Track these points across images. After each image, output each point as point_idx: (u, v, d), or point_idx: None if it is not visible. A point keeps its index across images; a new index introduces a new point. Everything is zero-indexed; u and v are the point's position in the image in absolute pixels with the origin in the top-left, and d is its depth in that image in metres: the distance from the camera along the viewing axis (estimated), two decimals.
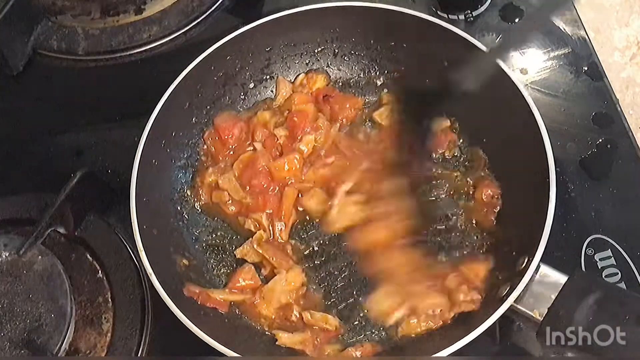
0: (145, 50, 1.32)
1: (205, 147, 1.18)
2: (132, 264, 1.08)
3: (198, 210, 1.15)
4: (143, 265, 0.97)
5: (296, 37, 1.20)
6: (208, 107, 1.18)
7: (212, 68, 1.15)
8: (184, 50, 1.30)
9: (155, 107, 1.08)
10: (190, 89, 1.13)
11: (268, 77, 1.23)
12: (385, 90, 1.22)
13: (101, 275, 1.10)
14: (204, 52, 1.13)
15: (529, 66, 1.29)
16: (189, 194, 1.16)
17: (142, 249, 0.97)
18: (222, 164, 1.16)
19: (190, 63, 1.11)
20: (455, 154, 1.18)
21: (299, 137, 1.16)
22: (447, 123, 1.16)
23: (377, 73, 1.24)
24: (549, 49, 1.30)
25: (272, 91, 1.24)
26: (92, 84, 1.31)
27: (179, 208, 1.13)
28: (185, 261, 1.07)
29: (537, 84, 1.26)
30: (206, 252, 1.12)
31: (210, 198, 1.14)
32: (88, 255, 1.11)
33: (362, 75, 1.25)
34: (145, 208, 1.02)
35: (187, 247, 1.10)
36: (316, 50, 1.22)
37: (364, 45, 1.21)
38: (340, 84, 1.25)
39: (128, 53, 1.32)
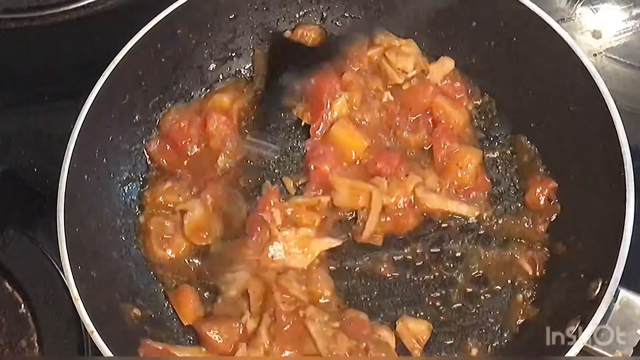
0: (84, 6, 1.13)
1: (153, 162, 1.05)
2: (66, 295, 0.93)
3: (152, 241, 1.02)
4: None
5: None
6: (155, 99, 1.07)
7: (158, 47, 1.03)
8: (138, 7, 1.12)
9: (96, 83, 0.95)
10: (129, 78, 1.01)
11: (234, 53, 1.12)
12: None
13: (24, 311, 1.00)
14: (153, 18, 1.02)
15: (604, 27, 1.16)
16: (137, 219, 1.03)
17: (77, 297, 0.86)
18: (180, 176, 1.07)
19: (143, 27, 0.98)
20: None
21: (327, 104, 1.03)
22: (451, 65, 1.07)
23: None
24: (630, 3, 1.16)
25: (242, 72, 1.13)
26: (12, 52, 1.16)
27: (123, 239, 1.01)
28: (136, 311, 0.97)
29: (614, 52, 1.14)
30: (165, 298, 1.01)
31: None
32: (7, 284, 1.01)
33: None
34: (80, 242, 0.91)
35: (139, 291, 1.00)
36: (297, 15, 1.12)
37: (362, 3, 1.10)
38: None
39: (61, 10, 1.13)
